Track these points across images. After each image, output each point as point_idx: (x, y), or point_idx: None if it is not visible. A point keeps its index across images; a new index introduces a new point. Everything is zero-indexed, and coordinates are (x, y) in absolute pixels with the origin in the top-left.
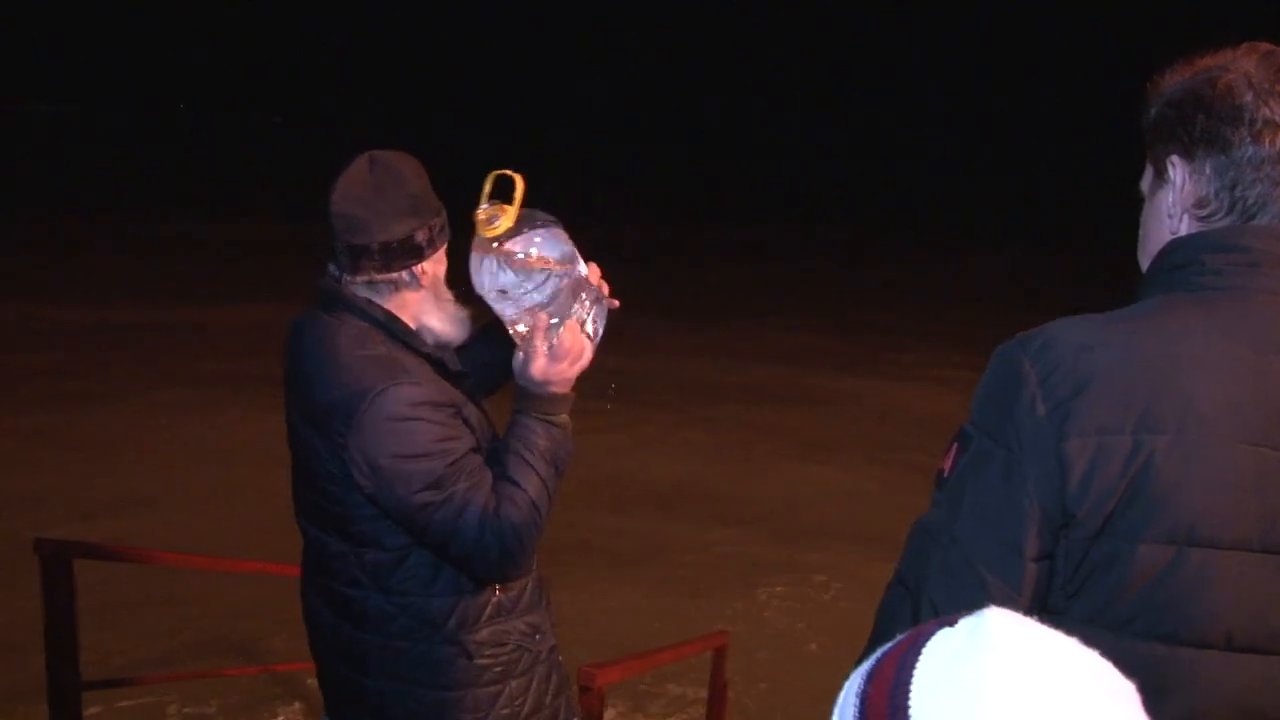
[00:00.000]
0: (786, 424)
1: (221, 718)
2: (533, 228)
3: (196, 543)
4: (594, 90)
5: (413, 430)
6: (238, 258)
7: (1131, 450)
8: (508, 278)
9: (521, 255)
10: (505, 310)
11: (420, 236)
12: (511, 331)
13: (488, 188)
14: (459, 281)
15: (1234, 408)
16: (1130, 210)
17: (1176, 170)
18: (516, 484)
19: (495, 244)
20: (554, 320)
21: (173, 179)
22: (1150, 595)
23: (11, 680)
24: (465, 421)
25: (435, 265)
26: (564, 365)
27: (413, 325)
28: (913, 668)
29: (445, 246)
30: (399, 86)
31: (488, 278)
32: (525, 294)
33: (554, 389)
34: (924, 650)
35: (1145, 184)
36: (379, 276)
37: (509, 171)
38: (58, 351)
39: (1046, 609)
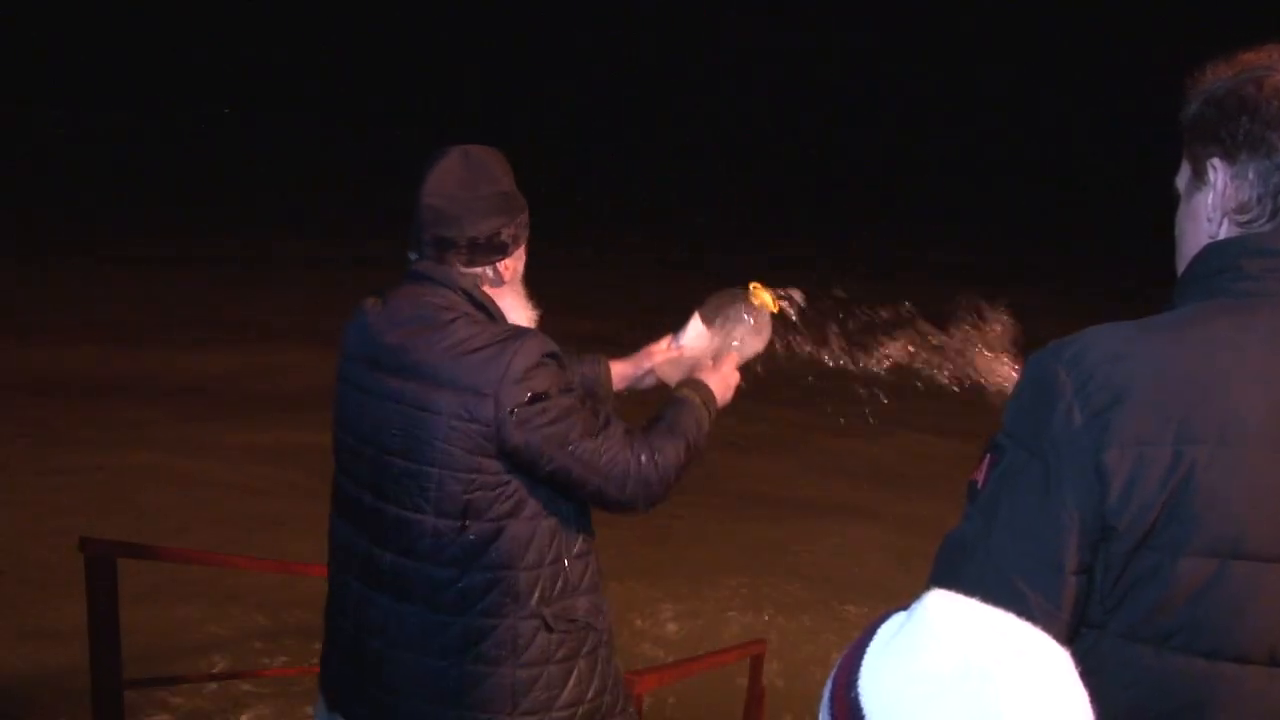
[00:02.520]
0: (819, 422)
1: (264, 717)
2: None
3: (237, 544)
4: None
5: (552, 371)
6: None
7: (1172, 461)
8: (741, 332)
9: (753, 324)
10: (711, 347)
11: (506, 234)
12: (692, 357)
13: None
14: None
15: (1276, 417)
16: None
17: (1218, 173)
18: (671, 430)
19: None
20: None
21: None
22: (1193, 609)
23: (56, 678)
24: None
25: (516, 262)
26: (728, 379)
27: None
28: (866, 645)
29: (525, 244)
30: (397, 86)
31: (707, 338)
32: (738, 342)
33: (718, 390)
34: (877, 630)
35: (1181, 183)
36: (464, 269)
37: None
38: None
39: (1085, 622)
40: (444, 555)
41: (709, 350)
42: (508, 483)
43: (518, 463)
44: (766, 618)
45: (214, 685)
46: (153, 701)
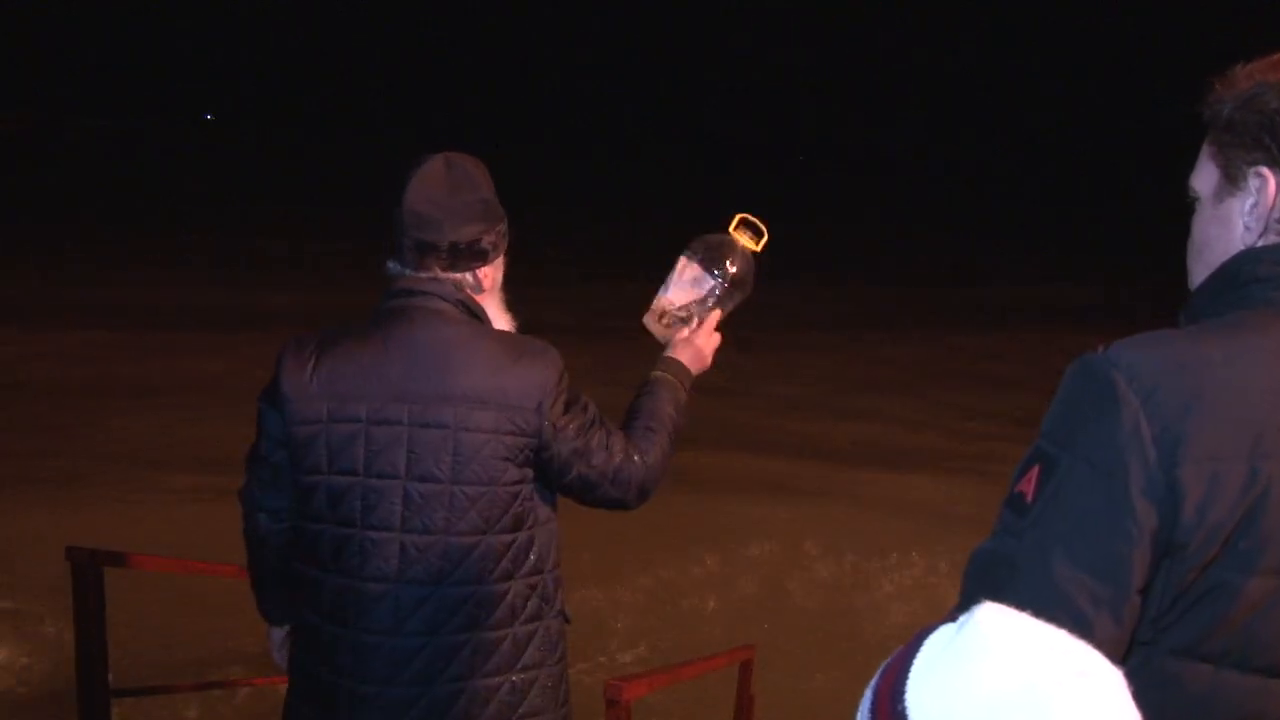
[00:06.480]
0: (816, 430)
1: None
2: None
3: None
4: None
5: (568, 381)
6: None
7: (1248, 478)
8: (708, 289)
9: (737, 273)
10: (686, 310)
11: (486, 241)
12: (673, 322)
13: (736, 221)
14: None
15: None
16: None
17: (1265, 181)
18: (652, 428)
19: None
20: (713, 315)
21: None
22: (1253, 627)
23: (42, 687)
24: None
25: (495, 270)
26: (705, 348)
27: None
28: (912, 656)
29: (505, 254)
30: (395, 85)
31: (693, 288)
32: (714, 300)
33: (694, 365)
34: (925, 641)
35: (1205, 186)
36: (444, 275)
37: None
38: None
39: (1134, 640)
40: (495, 572)
41: (693, 303)
42: (539, 491)
43: (546, 471)
44: (754, 622)
45: (203, 695)
46: (141, 712)
